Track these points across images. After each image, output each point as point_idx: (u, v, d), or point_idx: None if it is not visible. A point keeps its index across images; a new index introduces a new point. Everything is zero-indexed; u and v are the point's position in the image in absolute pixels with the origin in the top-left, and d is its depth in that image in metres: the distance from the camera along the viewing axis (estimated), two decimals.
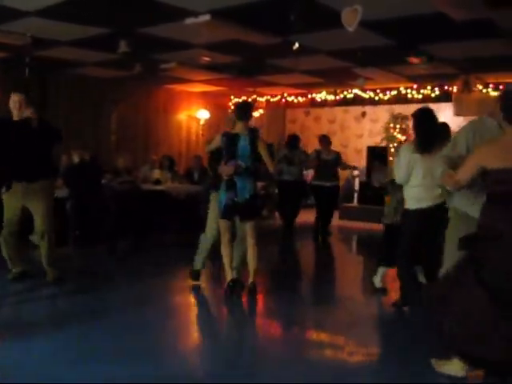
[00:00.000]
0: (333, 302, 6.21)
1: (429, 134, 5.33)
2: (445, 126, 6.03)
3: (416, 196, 5.32)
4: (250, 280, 5.92)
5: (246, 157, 5.86)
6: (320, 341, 4.85)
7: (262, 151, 5.94)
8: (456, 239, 3.99)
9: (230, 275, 5.96)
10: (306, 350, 4.48)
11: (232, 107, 6.33)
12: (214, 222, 6.18)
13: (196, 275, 6.44)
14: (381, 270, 6.35)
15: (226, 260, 5.99)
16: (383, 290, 6.30)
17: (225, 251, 5.99)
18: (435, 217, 5.28)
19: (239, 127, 5.94)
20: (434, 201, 5.26)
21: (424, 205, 5.27)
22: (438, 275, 5.39)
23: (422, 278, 6.21)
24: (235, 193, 5.83)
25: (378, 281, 6.36)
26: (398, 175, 5.43)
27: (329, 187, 9.78)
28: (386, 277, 6.35)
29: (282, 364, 4.09)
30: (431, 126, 5.40)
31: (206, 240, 6.36)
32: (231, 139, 5.85)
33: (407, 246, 5.42)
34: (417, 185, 5.29)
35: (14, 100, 6.02)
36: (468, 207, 4.18)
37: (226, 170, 5.78)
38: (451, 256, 4.16)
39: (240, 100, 16.25)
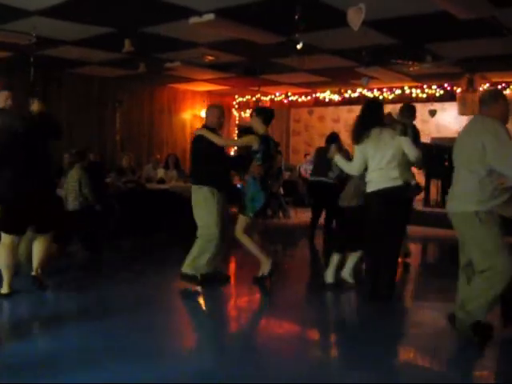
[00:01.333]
0: (332, 301, 6.21)
1: (360, 123, 5.63)
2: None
3: (374, 179, 5.51)
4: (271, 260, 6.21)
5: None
6: (321, 340, 4.87)
7: None
8: (495, 239, 4.16)
9: (269, 260, 6.14)
10: (307, 349, 4.49)
11: (254, 112, 6.37)
12: (214, 221, 6.03)
13: (202, 279, 6.22)
14: (335, 259, 6.14)
15: (259, 252, 6.14)
16: (336, 286, 6.11)
17: (253, 245, 6.15)
18: (396, 198, 5.46)
19: (265, 130, 6.13)
20: (390, 183, 5.41)
21: (381, 186, 5.44)
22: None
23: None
24: (268, 191, 6.17)
25: (330, 274, 6.14)
26: (352, 169, 5.77)
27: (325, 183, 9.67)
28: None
29: (283, 363, 4.09)
30: (363, 115, 5.65)
31: (213, 244, 6.07)
32: (269, 142, 6.09)
33: (372, 230, 5.57)
34: (374, 169, 5.51)
35: None
36: (504, 208, 4.24)
37: (259, 169, 5.95)
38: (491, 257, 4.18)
39: (244, 99, 16.31)
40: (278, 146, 12.98)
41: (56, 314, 5.27)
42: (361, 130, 5.57)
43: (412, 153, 5.41)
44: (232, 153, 13.37)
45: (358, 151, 5.63)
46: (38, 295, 5.64)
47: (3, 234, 5.51)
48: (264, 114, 6.23)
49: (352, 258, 6.19)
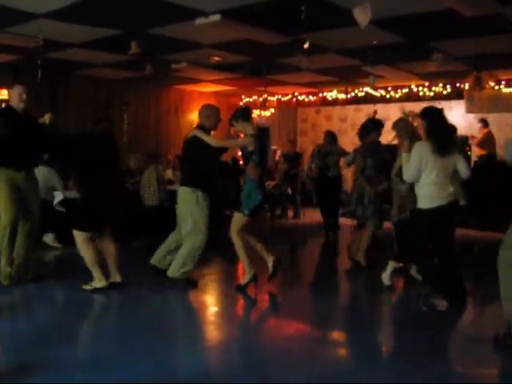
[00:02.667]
0: (340, 300, 6.21)
1: (447, 134, 5.36)
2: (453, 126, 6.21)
3: (429, 195, 5.27)
4: (273, 257, 6.11)
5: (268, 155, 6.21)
6: (328, 339, 4.87)
7: None
8: None
9: (251, 270, 6.02)
10: (315, 348, 4.48)
11: (233, 119, 6.19)
12: (205, 225, 5.99)
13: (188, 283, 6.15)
14: (390, 266, 6.21)
15: (246, 258, 5.99)
16: (391, 287, 6.22)
17: (244, 249, 5.99)
18: (449, 215, 5.35)
19: (253, 128, 5.98)
20: (447, 199, 5.27)
21: (438, 203, 5.25)
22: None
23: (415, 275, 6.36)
24: (264, 191, 6.04)
25: (386, 278, 6.23)
26: (409, 174, 5.35)
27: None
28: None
29: (291, 362, 4.09)
30: (447, 126, 5.44)
31: (200, 245, 6.01)
32: (263, 139, 5.94)
33: (420, 245, 5.46)
34: (430, 183, 5.25)
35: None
36: None
37: (256, 172, 5.82)
38: None
39: (251, 99, 16.31)
40: (301, 157, 12.98)
41: (58, 312, 5.29)
42: (451, 141, 5.36)
43: (465, 172, 5.39)
44: None
45: (417, 158, 5.24)
46: (43, 293, 5.66)
47: (78, 232, 5.72)
48: (240, 113, 6.10)
49: (392, 263, 6.23)
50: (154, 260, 6.43)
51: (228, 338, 4.80)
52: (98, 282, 5.76)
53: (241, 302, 6.01)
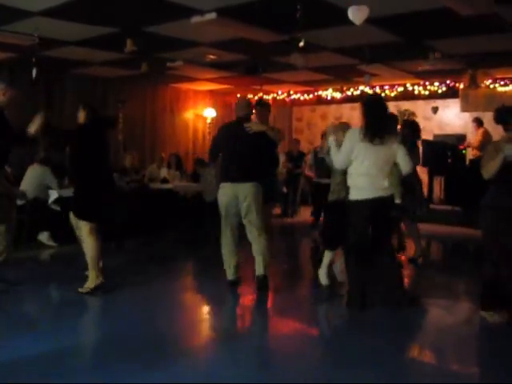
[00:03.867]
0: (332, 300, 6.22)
1: (377, 121, 5.08)
2: (393, 117, 6.23)
3: (360, 185, 5.06)
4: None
5: None
6: (327, 339, 4.87)
7: None
8: None
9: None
10: (314, 348, 4.49)
11: (269, 106, 6.46)
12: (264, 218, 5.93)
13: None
14: (326, 258, 5.85)
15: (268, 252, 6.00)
16: (330, 287, 5.90)
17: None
18: (381, 210, 5.09)
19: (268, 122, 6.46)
20: (378, 192, 5.03)
21: (368, 195, 5.01)
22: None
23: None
24: None
25: (323, 274, 5.88)
26: (338, 160, 5.19)
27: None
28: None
29: (289, 362, 4.09)
30: (380, 114, 5.16)
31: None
32: None
33: (355, 241, 5.14)
34: (362, 174, 5.03)
35: None
36: None
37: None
38: None
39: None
40: (304, 156, 13.00)
41: (60, 308, 5.29)
42: (383, 127, 5.08)
43: (405, 165, 5.15)
44: None
45: (347, 144, 5.07)
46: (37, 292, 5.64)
47: (87, 224, 5.60)
48: (269, 108, 6.53)
49: (328, 254, 5.91)
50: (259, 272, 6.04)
51: (226, 337, 4.80)
52: (95, 279, 5.57)
53: (238, 300, 6.01)
